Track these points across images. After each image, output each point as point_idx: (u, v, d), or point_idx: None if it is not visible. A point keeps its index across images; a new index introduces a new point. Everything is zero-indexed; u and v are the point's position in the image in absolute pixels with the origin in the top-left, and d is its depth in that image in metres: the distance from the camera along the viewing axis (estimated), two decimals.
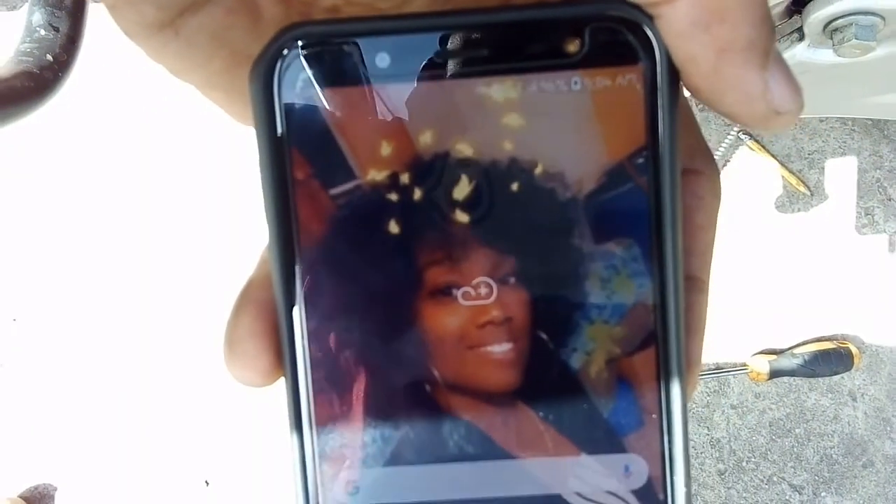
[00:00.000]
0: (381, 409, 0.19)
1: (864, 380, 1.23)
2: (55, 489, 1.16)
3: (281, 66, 0.18)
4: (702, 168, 0.21)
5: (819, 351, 1.18)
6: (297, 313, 0.19)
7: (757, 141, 1.23)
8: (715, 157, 1.08)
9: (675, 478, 0.19)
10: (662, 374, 0.19)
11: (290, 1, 0.19)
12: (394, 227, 0.19)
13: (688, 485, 0.19)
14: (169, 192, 1.19)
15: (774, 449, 1.20)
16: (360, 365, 0.19)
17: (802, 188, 1.23)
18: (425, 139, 0.18)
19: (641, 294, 0.19)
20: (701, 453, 1.19)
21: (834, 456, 1.21)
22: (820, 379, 1.21)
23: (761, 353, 1.20)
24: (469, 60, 0.18)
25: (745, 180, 1.24)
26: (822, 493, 1.20)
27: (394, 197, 0.19)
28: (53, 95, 0.57)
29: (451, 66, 0.18)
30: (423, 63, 0.18)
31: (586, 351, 0.19)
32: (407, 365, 0.19)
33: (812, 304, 1.22)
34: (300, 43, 0.18)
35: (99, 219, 1.19)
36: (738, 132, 1.19)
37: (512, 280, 0.19)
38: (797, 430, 1.21)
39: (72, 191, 1.19)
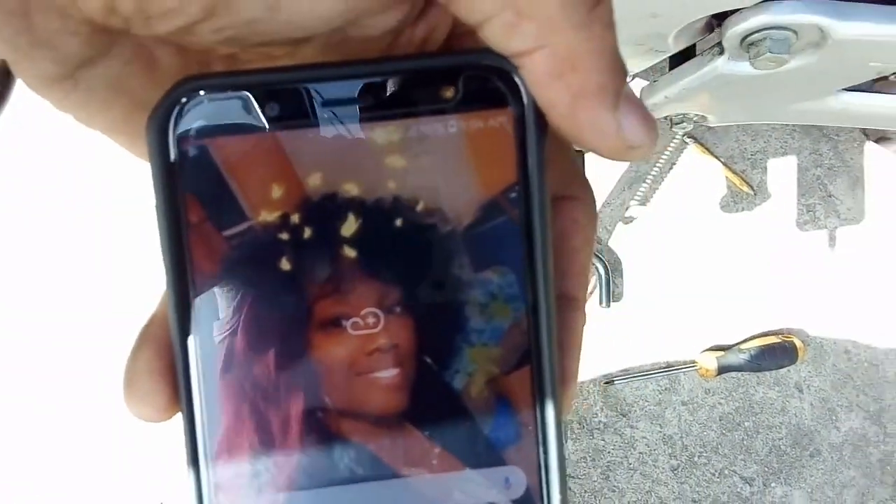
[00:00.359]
0: (275, 439, 0.20)
1: (809, 372, 1.26)
2: None
3: (175, 116, 0.19)
4: (577, 194, 0.22)
5: (765, 345, 1.21)
6: (193, 350, 0.20)
7: (701, 144, 1.26)
8: (661, 160, 1.10)
9: (551, 487, 0.21)
10: (537, 390, 0.21)
11: (186, 51, 0.20)
12: (285, 265, 0.20)
13: (563, 492, 0.21)
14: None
15: (725, 443, 1.23)
16: (254, 397, 0.20)
17: (746, 188, 1.26)
18: (314, 181, 0.20)
19: (516, 317, 0.21)
20: (654, 450, 1.22)
21: (782, 447, 1.24)
22: (767, 372, 1.24)
23: (709, 349, 1.23)
24: (353, 108, 0.19)
25: (691, 182, 1.27)
26: (772, 484, 1.23)
27: (285, 236, 0.20)
28: None
29: (337, 113, 0.20)
30: (311, 111, 0.19)
31: (468, 372, 0.21)
32: (300, 394, 0.20)
33: (757, 301, 1.26)
34: (193, 94, 0.19)
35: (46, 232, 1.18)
36: (683, 136, 1.22)
37: (398, 309, 0.20)
38: (746, 424, 1.24)
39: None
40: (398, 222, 0.20)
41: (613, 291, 1.21)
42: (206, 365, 0.20)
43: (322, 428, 0.20)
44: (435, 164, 0.20)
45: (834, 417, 1.26)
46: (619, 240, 1.25)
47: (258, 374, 0.20)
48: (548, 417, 0.21)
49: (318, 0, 0.17)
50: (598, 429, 1.21)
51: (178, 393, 0.20)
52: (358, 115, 0.20)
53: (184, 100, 0.19)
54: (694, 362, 1.22)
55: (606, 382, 1.21)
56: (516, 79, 0.19)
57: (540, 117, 0.20)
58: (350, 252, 0.20)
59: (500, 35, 0.18)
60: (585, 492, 1.19)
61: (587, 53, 0.18)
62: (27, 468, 1.15)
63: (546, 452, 0.21)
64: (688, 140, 1.25)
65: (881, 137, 1.26)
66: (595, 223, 0.23)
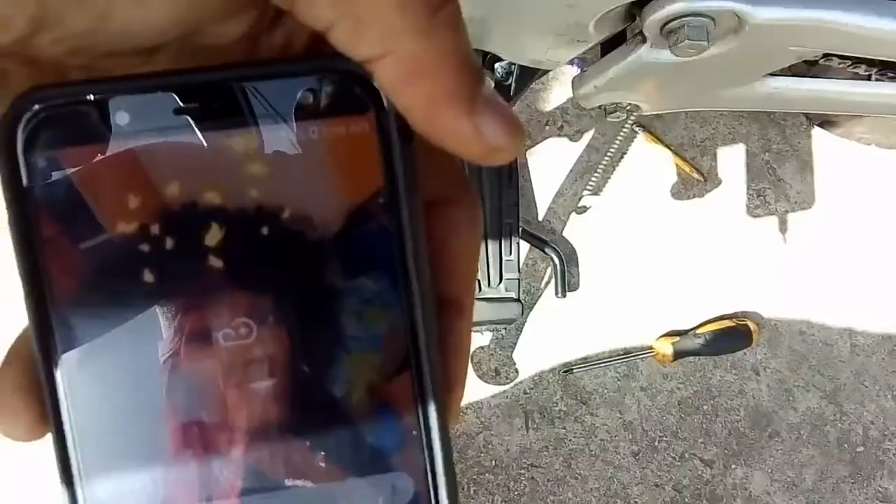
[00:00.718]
0: (150, 455, 0.20)
1: (765, 354, 1.28)
2: None
3: (23, 128, 0.18)
4: (456, 196, 0.22)
5: (720, 330, 1.23)
6: (56, 368, 0.19)
7: (650, 132, 1.27)
8: (610, 151, 1.11)
9: (438, 491, 0.20)
10: (419, 395, 0.20)
11: (36, 62, 0.19)
12: (148, 277, 0.19)
13: (451, 496, 0.21)
14: None
15: (684, 427, 1.25)
16: (124, 414, 0.20)
17: (696, 175, 1.28)
18: (172, 191, 0.19)
19: (393, 323, 0.20)
20: (615, 437, 1.23)
21: (741, 429, 1.26)
22: (723, 356, 1.26)
23: (665, 335, 1.25)
24: (207, 115, 0.19)
25: (641, 170, 1.28)
26: (733, 466, 1.25)
27: (145, 248, 0.19)
28: None
29: (192, 120, 0.19)
30: (163, 119, 0.19)
31: (347, 380, 0.20)
32: (174, 409, 0.20)
33: (711, 286, 1.27)
34: (40, 105, 0.18)
35: None
36: (633, 125, 1.23)
37: (271, 319, 0.20)
38: (705, 407, 1.26)
39: None
40: (265, 230, 0.19)
41: (569, 281, 1.22)
42: (73, 383, 0.19)
43: (199, 442, 0.20)
44: (299, 171, 0.19)
45: (791, 398, 1.28)
46: (574, 230, 1.26)
47: (127, 389, 0.20)
48: (431, 421, 0.20)
49: (151, 11, 0.17)
50: (559, 417, 1.22)
51: (46, 412, 0.19)
52: (214, 123, 0.19)
53: (31, 110, 0.18)
54: (651, 348, 1.23)
55: (565, 371, 1.22)
56: (375, 83, 0.19)
57: (402, 120, 0.19)
58: (216, 262, 0.19)
59: (346, 42, 0.17)
60: (549, 480, 1.20)
61: (433, 59, 0.17)
62: None
63: (432, 457, 0.20)
64: (637, 129, 1.26)
65: (825, 121, 1.28)
66: (479, 225, 0.22)
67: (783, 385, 1.28)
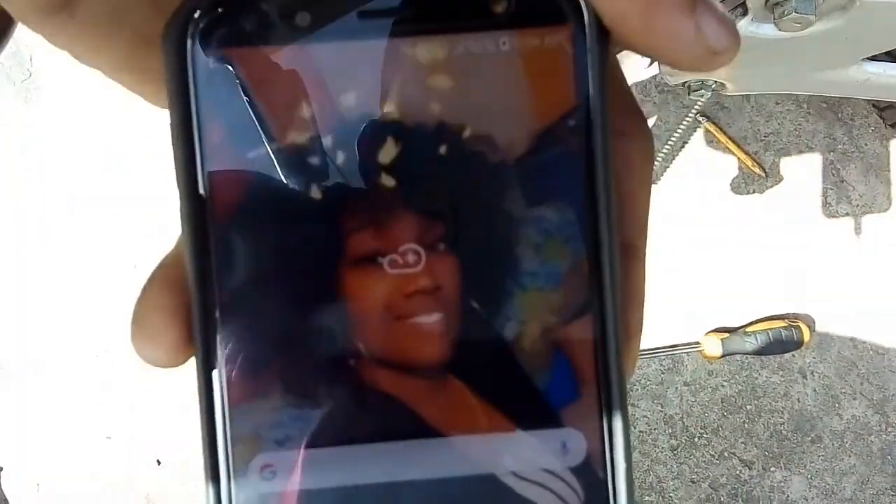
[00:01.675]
0: (300, 387, 0.18)
1: (814, 358, 1.25)
2: (1, 468, 1.15)
3: (195, 25, 0.17)
4: (632, 130, 0.20)
5: (770, 329, 1.20)
6: (211, 283, 0.18)
7: (714, 123, 1.25)
8: (672, 140, 1.09)
9: (615, 453, 0.18)
10: (600, 344, 0.18)
11: None
12: (315, 193, 0.18)
13: (628, 460, 0.18)
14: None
15: (726, 425, 1.22)
16: (278, 339, 0.18)
17: (758, 170, 1.25)
18: (348, 101, 0.17)
19: (576, 259, 0.18)
20: (654, 429, 1.21)
21: (783, 432, 1.24)
22: (771, 357, 1.23)
23: (714, 331, 1.22)
24: (394, 20, 0.17)
25: (702, 161, 1.25)
26: (772, 468, 1.23)
27: (315, 161, 0.18)
28: None
29: (375, 25, 0.17)
30: (346, 22, 0.17)
31: (520, 320, 0.18)
32: (329, 338, 0.18)
33: (764, 284, 1.25)
34: (214, 2, 0.17)
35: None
36: (696, 114, 1.20)
37: (441, 247, 0.18)
38: (748, 407, 1.23)
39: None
40: (443, 149, 0.18)
41: None
42: (225, 303, 0.18)
43: (353, 378, 0.18)
44: (485, 86, 0.18)
45: (837, 404, 1.25)
46: None
47: (283, 314, 0.18)
48: (612, 374, 0.18)
49: None
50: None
51: (193, 333, 0.18)
52: (398, 29, 0.17)
53: (205, 6, 0.17)
54: (698, 343, 1.21)
55: None
56: None
57: (603, 35, 0.17)
58: (388, 181, 0.18)
59: None
60: None
61: None
62: (24, 425, 1.15)
63: (610, 414, 0.18)
64: (700, 118, 1.23)
65: None
66: (651, 163, 0.21)
67: (830, 391, 1.25)
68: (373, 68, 0.17)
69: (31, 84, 1.17)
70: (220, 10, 0.17)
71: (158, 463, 1.14)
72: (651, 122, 1.26)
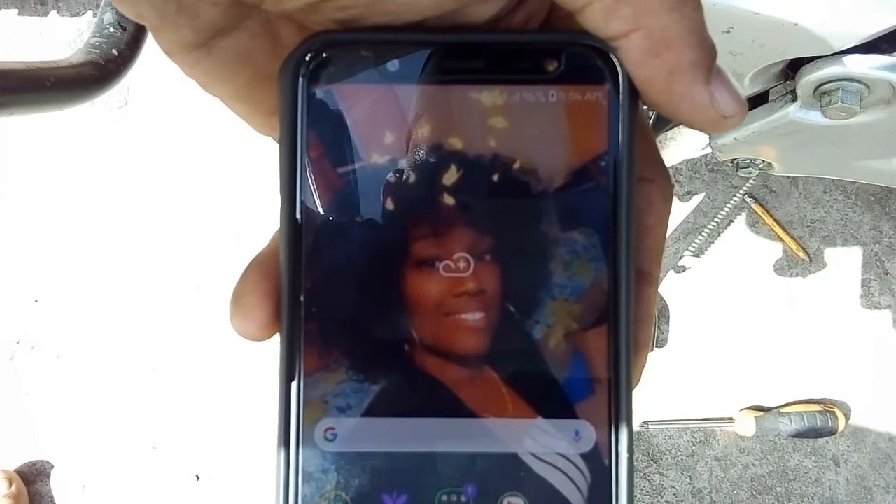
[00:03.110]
0: (362, 365, 0.22)
1: (848, 446, 1.25)
2: (52, 466, 1.20)
3: (306, 63, 0.21)
4: (653, 176, 0.24)
5: (805, 413, 1.20)
6: (299, 274, 0.22)
7: (761, 204, 1.28)
8: (718, 217, 1.13)
9: (619, 445, 0.22)
10: (612, 349, 0.22)
11: (306, 29, 0.22)
12: (390, 204, 0.22)
13: (630, 451, 0.22)
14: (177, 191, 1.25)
15: None
16: (348, 323, 0.22)
17: (802, 254, 1.27)
18: (422, 132, 0.22)
19: (597, 277, 0.22)
20: (682, 501, 1.21)
21: None
22: (805, 440, 1.23)
23: (749, 408, 1.23)
24: (465, 70, 0.22)
25: (746, 241, 1.28)
26: None
27: (392, 178, 0.22)
28: (114, 85, 0.64)
29: (450, 74, 0.22)
30: (427, 70, 0.22)
31: (547, 324, 0.22)
32: (390, 325, 0.22)
33: (803, 367, 1.25)
34: (325, 46, 0.21)
35: (110, 214, 1.25)
36: (744, 195, 1.24)
37: (487, 257, 0.22)
38: (778, 489, 1.23)
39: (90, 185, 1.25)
40: (495, 177, 0.22)
41: (658, 337, 1.23)
42: (308, 286, 0.22)
43: (406, 360, 0.22)
44: (534, 129, 0.22)
45: (869, 497, 1.24)
46: (670, 287, 1.27)
47: (354, 303, 0.22)
48: (621, 376, 0.22)
49: None
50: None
51: (280, 313, 0.22)
52: (468, 77, 0.22)
53: (316, 50, 0.21)
54: (732, 419, 1.22)
55: (641, 425, 1.22)
56: (613, 59, 0.21)
57: (633, 95, 0.21)
58: (449, 199, 0.22)
59: (600, 19, 0.20)
60: None
61: (680, 33, 0.19)
62: (76, 427, 1.20)
63: (617, 410, 0.22)
64: (748, 199, 1.27)
65: None
66: (670, 204, 0.24)
67: (863, 482, 1.24)
68: (444, 107, 0.22)
69: (126, 110, 1.27)
70: (328, 52, 0.21)
71: (197, 478, 1.18)
72: (699, 197, 1.30)
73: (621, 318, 0.22)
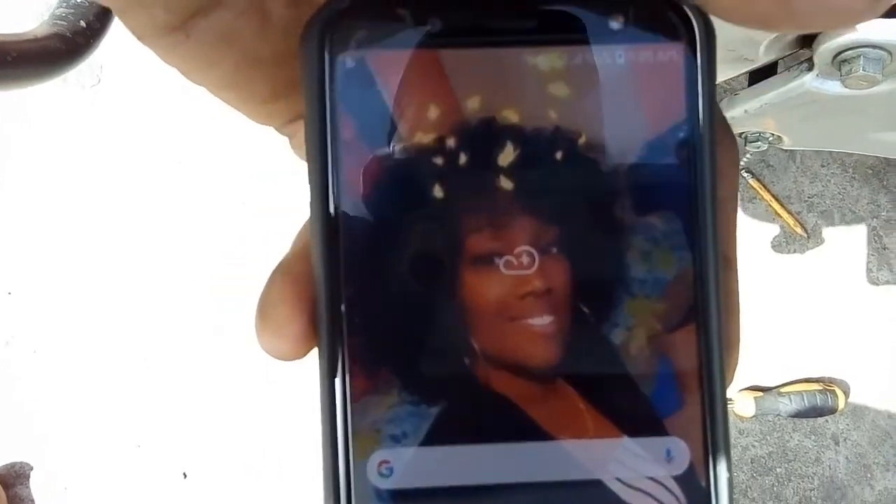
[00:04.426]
0: (417, 384, 0.18)
1: (847, 424, 1.23)
2: (31, 468, 1.16)
3: (333, 27, 0.18)
4: (721, 139, 0.20)
5: (805, 392, 1.19)
6: (338, 278, 0.18)
7: (758, 179, 1.25)
8: None
9: (717, 463, 0.19)
10: (704, 353, 0.19)
11: (298, 2, 0.19)
12: (438, 192, 0.18)
13: (730, 470, 0.19)
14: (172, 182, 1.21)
15: (755, 486, 1.20)
16: (398, 336, 0.19)
17: (800, 230, 1.25)
18: (472, 105, 0.18)
19: (681, 268, 0.19)
20: None
21: (813, 498, 1.21)
22: (804, 420, 1.21)
23: (748, 389, 1.21)
24: (518, 30, 0.18)
25: (744, 217, 1.26)
26: None
27: (439, 161, 0.18)
28: (83, 59, 0.59)
29: (501, 34, 0.18)
30: (474, 30, 0.18)
31: (627, 326, 0.19)
32: (446, 337, 0.19)
33: (801, 345, 1.23)
34: (353, 6, 0.18)
35: (95, 209, 1.20)
36: (742, 170, 1.21)
37: (554, 250, 0.19)
38: (778, 470, 1.21)
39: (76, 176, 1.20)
40: (559, 155, 0.18)
41: None
42: (348, 293, 0.18)
43: (469, 377, 0.18)
44: (600, 96, 0.18)
45: (869, 475, 1.23)
46: None
47: (403, 309, 0.19)
48: (715, 384, 0.19)
49: None
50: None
51: (317, 324, 0.18)
52: (522, 39, 0.18)
53: (343, 9, 0.18)
54: (731, 400, 1.20)
55: None
56: (689, 12, 0.18)
57: (711, 53, 0.18)
58: (506, 183, 0.18)
59: None
60: None
61: None
62: (55, 429, 1.16)
63: (713, 424, 0.19)
64: (745, 174, 1.24)
65: None
66: (738, 170, 0.21)
67: (862, 460, 1.23)
68: (496, 75, 0.18)
69: (99, 89, 1.21)
70: (356, 15, 0.18)
71: (185, 476, 1.14)
72: None
73: (711, 315, 0.18)
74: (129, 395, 1.16)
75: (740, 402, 1.19)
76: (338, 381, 0.18)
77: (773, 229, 1.26)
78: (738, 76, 0.72)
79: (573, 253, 0.19)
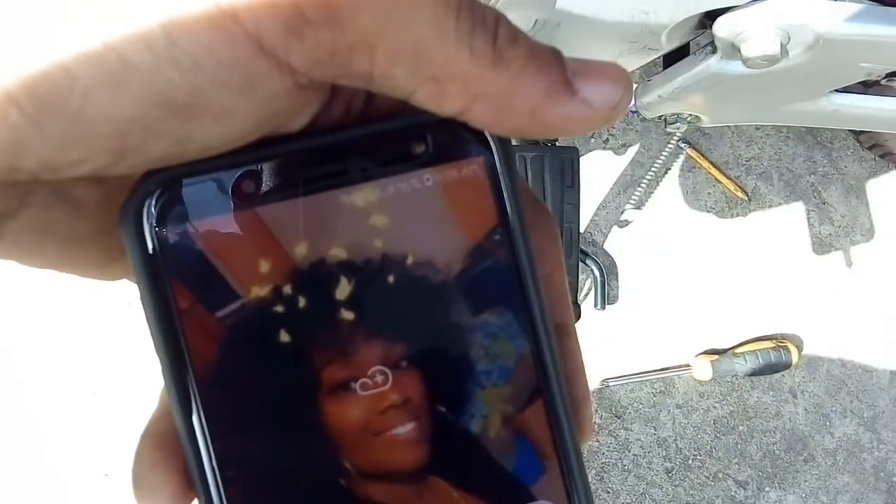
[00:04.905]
0: None
1: (803, 377, 1.27)
2: None
3: (148, 206, 0.19)
4: (538, 221, 0.22)
5: (759, 350, 1.22)
6: (201, 436, 0.19)
7: (696, 149, 1.27)
8: (655, 166, 1.12)
9: None
10: (553, 421, 0.21)
11: (105, 182, 0.19)
12: (284, 337, 0.20)
13: None
14: None
15: (719, 446, 1.24)
16: (272, 473, 0.20)
17: (740, 193, 1.27)
18: (300, 251, 0.19)
19: (520, 353, 0.21)
20: (649, 452, 1.22)
21: (776, 451, 1.25)
22: (761, 377, 1.25)
23: (704, 353, 1.24)
24: (328, 174, 0.20)
25: (685, 187, 1.28)
26: (766, 488, 1.24)
27: (280, 308, 0.19)
28: None
29: (314, 181, 0.19)
30: (287, 183, 0.19)
31: (483, 415, 0.21)
32: (319, 464, 0.20)
33: (752, 305, 1.26)
34: (164, 184, 0.19)
35: None
36: (678, 141, 1.23)
37: (404, 363, 0.20)
38: (740, 428, 1.25)
39: None
40: (391, 278, 0.20)
41: (608, 294, 1.22)
42: (217, 448, 0.19)
43: (346, 494, 0.20)
44: (418, 218, 0.20)
45: (828, 423, 1.27)
46: (615, 243, 1.26)
47: (272, 450, 0.20)
48: (568, 446, 0.21)
49: (227, 126, 0.17)
50: (593, 430, 1.21)
51: (192, 481, 0.19)
52: (333, 182, 0.20)
53: (155, 190, 0.19)
54: (688, 365, 1.23)
55: (601, 384, 1.22)
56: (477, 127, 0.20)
57: (509, 156, 0.20)
58: (347, 314, 0.20)
59: (432, 104, 0.18)
60: None
61: (516, 79, 0.17)
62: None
63: (572, 481, 0.21)
64: (682, 145, 1.26)
65: (874, 144, 1.27)
66: (559, 243, 0.23)
67: (820, 409, 1.27)
68: (317, 218, 0.20)
69: None
70: (171, 189, 0.19)
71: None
72: (634, 149, 1.29)
73: (554, 389, 0.21)
74: (89, 424, 1.15)
75: (697, 367, 1.21)
76: None
77: (715, 195, 1.29)
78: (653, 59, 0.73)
79: (422, 362, 0.20)
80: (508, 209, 0.20)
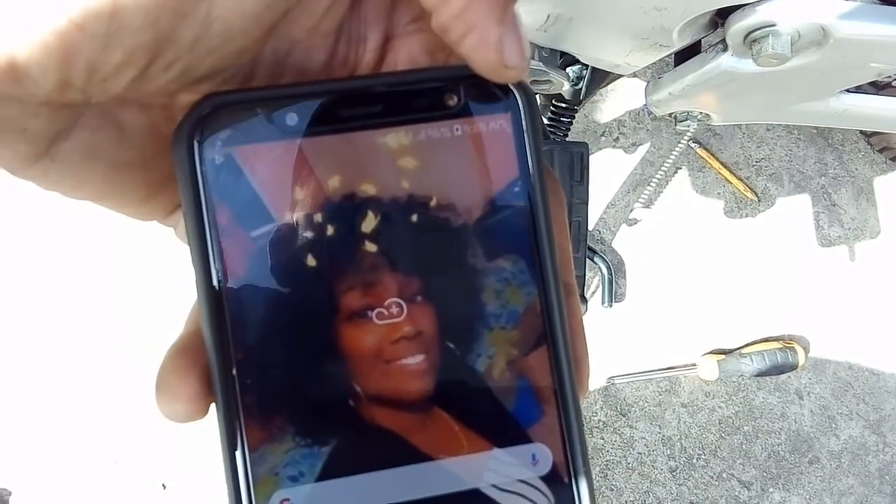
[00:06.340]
0: (309, 428, 0.21)
1: (810, 379, 1.27)
2: (10, 493, 1.16)
3: (199, 128, 0.20)
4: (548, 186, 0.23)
5: (766, 351, 1.22)
6: (227, 346, 0.21)
7: (706, 149, 1.27)
8: (665, 166, 1.12)
9: (575, 461, 0.22)
10: (555, 369, 0.22)
11: (149, 107, 0.21)
12: (311, 261, 0.21)
13: (586, 466, 0.22)
14: None
15: (724, 446, 1.24)
16: (288, 389, 0.21)
17: (750, 194, 1.28)
18: (333, 183, 0.21)
19: (530, 301, 0.22)
20: (653, 451, 1.23)
21: (781, 452, 1.25)
22: (767, 378, 1.25)
23: (710, 353, 1.24)
24: (367, 116, 0.21)
25: (695, 186, 1.28)
26: (770, 489, 1.24)
27: (309, 234, 0.21)
28: None
29: (352, 121, 0.21)
30: (327, 120, 0.21)
31: (489, 355, 0.22)
32: (331, 383, 0.21)
33: (759, 306, 1.26)
34: (216, 108, 0.20)
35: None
36: (689, 141, 1.23)
37: (419, 298, 0.22)
38: (746, 428, 1.25)
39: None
40: (414, 218, 0.21)
41: (616, 292, 1.22)
42: (238, 357, 0.21)
43: (354, 416, 0.21)
44: (444, 164, 0.22)
45: (834, 425, 1.27)
46: (623, 241, 1.26)
47: (289, 365, 0.21)
48: (567, 394, 0.22)
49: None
50: (598, 427, 1.22)
51: (213, 388, 0.20)
52: (371, 122, 0.21)
53: (206, 113, 0.20)
54: (695, 365, 1.23)
55: (607, 381, 1.22)
56: (511, 86, 0.22)
57: (535, 116, 0.22)
58: (371, 247, 0.21)
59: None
60: None
61: None
62: (32, 452, 1.16)
63: (568, 428, 0.22)
64: (693, 145, 1.26)
65: (885, 147, 1.27)
66: (564, 206, 0.24)
67: (826, 411, 1.27)
68: (352, 155, 0.21)
69: None
70: (219, 117, 0.20)
71: (164, 487, 1.15)
72: (644, 148, 1.29)
73: (559, 338, 0.22)
74: (103, 412, 1.17)
75: (704, 367, 1.22)
76: (236, 434, 0.21)
77: (725, 196, 1.29)
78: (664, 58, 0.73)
79: (436, 299, 0.22)
80: (530, 164, 0.22)
